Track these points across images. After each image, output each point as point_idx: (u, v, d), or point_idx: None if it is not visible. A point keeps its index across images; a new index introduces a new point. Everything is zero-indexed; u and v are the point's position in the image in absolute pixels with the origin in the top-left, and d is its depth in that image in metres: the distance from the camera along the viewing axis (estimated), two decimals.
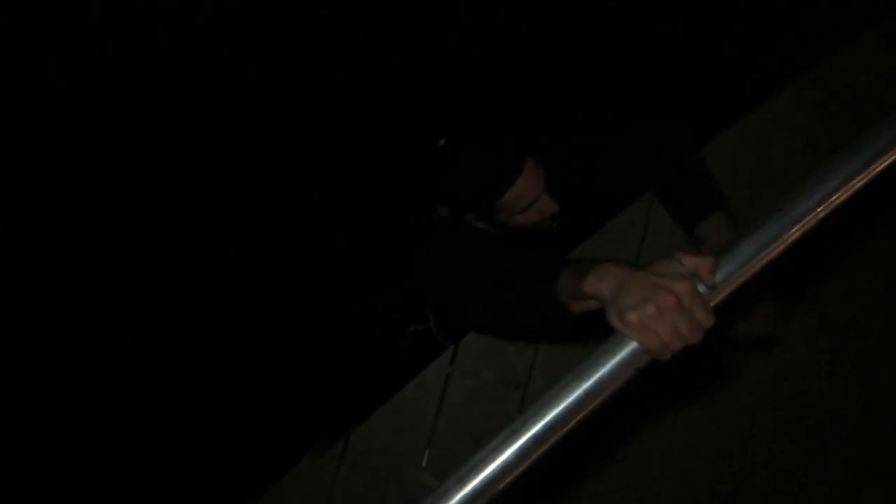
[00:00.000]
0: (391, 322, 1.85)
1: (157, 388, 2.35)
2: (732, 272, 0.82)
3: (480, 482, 0.79)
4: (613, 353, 0.80)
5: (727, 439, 1.69)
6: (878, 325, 1.72)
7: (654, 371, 0.82)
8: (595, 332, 0.85)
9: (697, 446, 1.67)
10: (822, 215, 0.87)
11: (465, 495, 0.79)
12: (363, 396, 1.75)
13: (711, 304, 0.81)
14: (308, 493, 1.60)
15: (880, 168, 0.88)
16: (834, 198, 0.87)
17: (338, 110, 2.57)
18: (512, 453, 0.77)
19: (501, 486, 0.79)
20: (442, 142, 1.39)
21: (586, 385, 0.78)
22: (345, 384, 2.25)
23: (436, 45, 2.58)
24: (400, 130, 2.44)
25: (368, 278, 2.39)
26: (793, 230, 0.85)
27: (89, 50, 2.49)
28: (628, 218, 1.64)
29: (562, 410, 0.77)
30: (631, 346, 0.79)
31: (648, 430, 1.66)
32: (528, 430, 0.78)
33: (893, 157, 0.86)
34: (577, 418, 0.79)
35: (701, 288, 0.80)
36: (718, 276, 0.81)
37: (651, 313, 0.76)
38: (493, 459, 0.78)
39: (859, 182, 0.88)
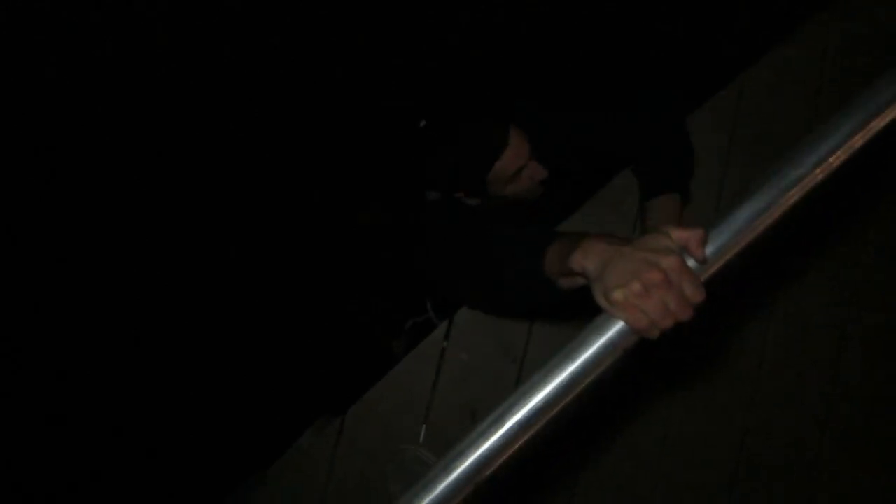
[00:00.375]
0: (390, 321, 1.84)
1: (158, 373, 2.36)
2: (725, 243, 0.77)
3: (467, 468, 0.76)
4: (600, 333, 0.76)
5: (726, 421, 1.66)
6: (885, 287, 1.68)
7: (643, 350, 0.79)
8: (592, 304, 0.82)
9: (694, 431, 1.64)
10: (820, 177, 0.83)
11: (453, 482, 0.77)
12: (360, 374, 1.74)
13: (703, 279, 0.77)
14: (308, 469, 1.60)
15: (880, 125, 0.83)
16: (832, 158, 0.82)
17: (338, 110, 2.55)
18: (498, 439, 0.75)
19: (489, 471, 0.77)
20: (422, 123, 1.36)
21: (572, 368, 0.75)
22: (342, 366, 2.25)
23: (436, 45, 2.55)
24: (395, 128, 2.42)
25: (367, 278, 2.39)
26: (790, 194, 0.80)
27: (89, 50, 2.46)
28: (623, 184, 1.59)
29: (547, 395, 0.74)
30: (618, 326, 0.76)
31: (644, 414, 1.64)
32: (513, 415, 0.75)
33: (893, 115, 0.80)
34: (564, 402, 0.76)
35: (692, 262, 0.77)
36: (710, 249, 0.77)
37: (637, 291, 0.72)
38: (480, 445, 0.75)
39: (859, 140, 0.83)
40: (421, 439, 1.56)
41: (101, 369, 2.37)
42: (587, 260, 0.80)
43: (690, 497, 1.63)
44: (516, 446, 0.76)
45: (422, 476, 0.79)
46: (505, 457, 0.76)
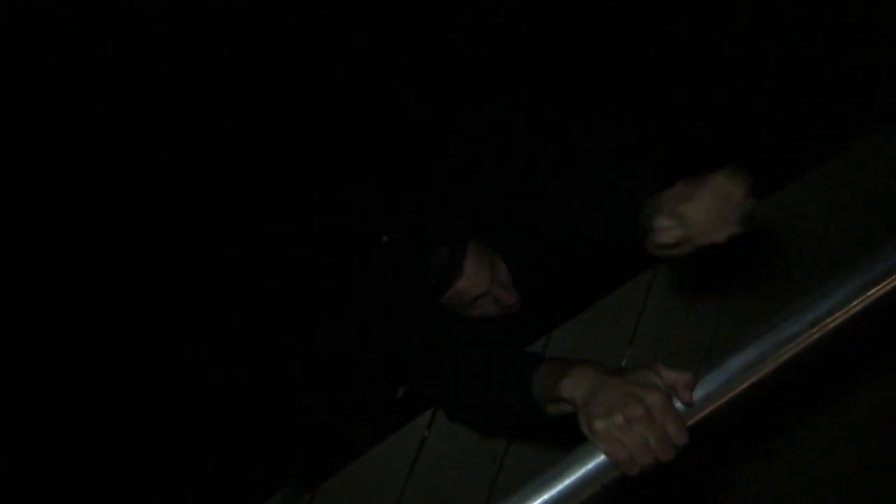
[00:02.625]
0: (381, 390, 1.80)
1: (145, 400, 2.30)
2: (713, 390, 0.78)
3: None
4: (580, 464, 0.75)
5: None
6: (870, 452, 1.64)
7: (624, 489, 0.78)
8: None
9: None
10: (815, 336, 0.83)
11: None
12: (336, 446, 1.70)
13: (690, 423, 0.77)
14: None
15: (882, 292, 0.84)
16: (829, 320, 0.83)
17: (338, 110, 2.56)
18: None
19: None
20: (385, 238, 1.34)
21: (546, 497, 0.74)
22: (320, 431, 2.20)
23: (436, 45, 2.57)
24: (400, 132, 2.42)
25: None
26: (784, 349, 0.81)
27: (89, 50, 2.49)
28: (621, 300, 1.59)
29: None
30: (599, 459, 0.75)
31: None
32: None
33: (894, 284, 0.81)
34: None
35: (679, 405, 0.76)
36: (698, 394, 0.77)
37: (619, 423, 0.73)
38: None
39: (858, 305, 0.84)
40: None
41: (98, 369, 2.30)
42: (575, 388, 0.81)
43: None
44: None
45: None
46: None
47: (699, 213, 0.87)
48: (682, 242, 0.90)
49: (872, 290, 0.83)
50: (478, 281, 1.28)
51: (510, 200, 1.42)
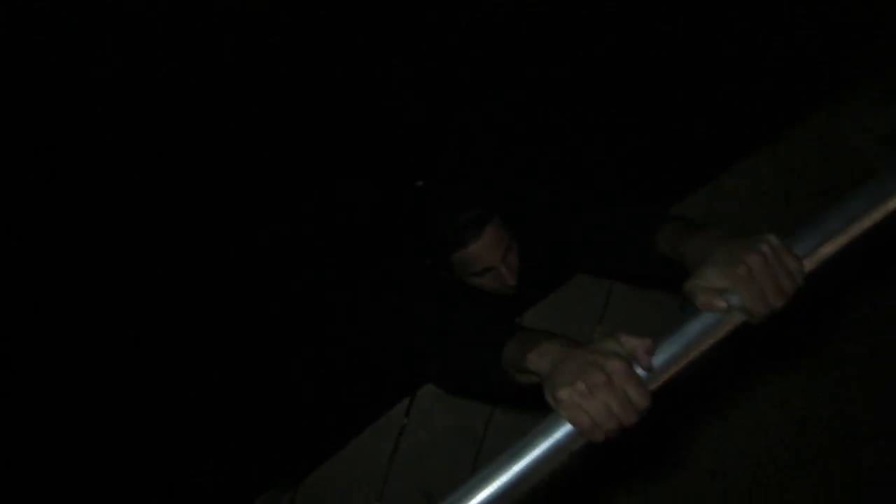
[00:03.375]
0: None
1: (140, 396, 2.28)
2: (674, 355, 0.80)
3: None
4: (547, 433, 0.77)
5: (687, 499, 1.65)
6: (818, 410, 1.70)
7: (592, 455, 0.80)
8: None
9: None
10: None
11: None
12: (319, 440, 1.71)
13: (652, 388, 0.79)
14: None
15: (829, 253, 0.87)
16: None
17: (338, 110, 2.55)
18: None
19: None
20: (419, 183, 1.38)
21: (517, 468, 0.75)
22: (306, 423, 2.19)
23: (436, 45, 2.57)
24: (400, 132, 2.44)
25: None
26: (739, 315, 0.83)
27: (90, 50, 2.46)
28: (591, 279, 1.62)
29: (489, 496, 0.74)
30: (565, 429, 0.76)
31: (609, 493, 1.62)
32: None
33: (838, 246, 0.84)
34: (508, 501, 0.76)
35: (641, 371, 0.78)
36: (658, 359, 0.79)
37: (581, 391, 0.74)
38: None
39: (811, 265, 0.87)
40: None
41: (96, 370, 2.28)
42: (541, 360, 0.82)
43: None
44: None
45: None
46: None
47: (749, 300, 0.80)
48: None
49: (819, 251, 0.86)
50: (492, 252, 1.33)
51: (529, 207, 1.47)
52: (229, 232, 2.46)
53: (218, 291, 2.41)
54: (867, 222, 0.85)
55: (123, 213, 2.44)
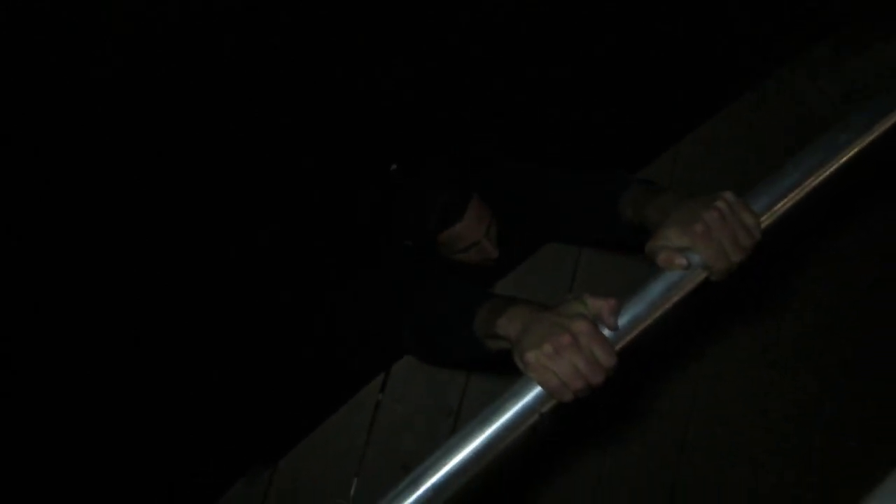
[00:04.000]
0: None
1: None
2: (638, 314, 0.81)
3: None
4: (517, 396, 0.78)
5: (659, 455, 1.69)
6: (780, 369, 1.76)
7: (563, 415, 0.81)
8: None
9: (630, 465, 1.67)
10: None
11: None
12: (294, 421, 1.70)
13: (618, 347, 0.80)
14: None
15: (785, 207, 0.89)
16: None
17: (338, 110, 2.56)
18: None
19: None
20: (394, 167, 1.39)
21: (489, 431, 0.76)
22: (279, 406, 2.20)
23: (436, 45, 2.58)
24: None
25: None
26: (700, 273, 0.85)
27: (89, 50, 2.44)
28: (562, 246, 1.64)
29: (463, 459, 0.75)
30: (535, 391, 0.78)
31: (583, 450, 1.66)
32: (428, 479, 0.75)
33: (794, 201, 0.86)
34: (481, 465, 0.77)
35: (608, 331, 0.80)
36: (624, 319, 0.80)
37: (547, 352, 0.76)
38: None
39: (768, 220, 0.88)
40: (352, 493, 1.53)
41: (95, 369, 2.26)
42: (510, 325, 0.83)
43: None
44: None
45: None
46: None
47: (708, 256, 0.81)
48: None
49: (776, 207, 0.88)
50: (475, 228, 1.36)
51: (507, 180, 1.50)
52: (229, 232, 2.47)
53: (210, 286, 2.41)
54: (822, 176, 0.87)
55: (123, 212, 2.43)
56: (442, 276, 1.33)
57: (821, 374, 1.74)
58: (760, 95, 1.88)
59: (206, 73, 2.51)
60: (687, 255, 0.82)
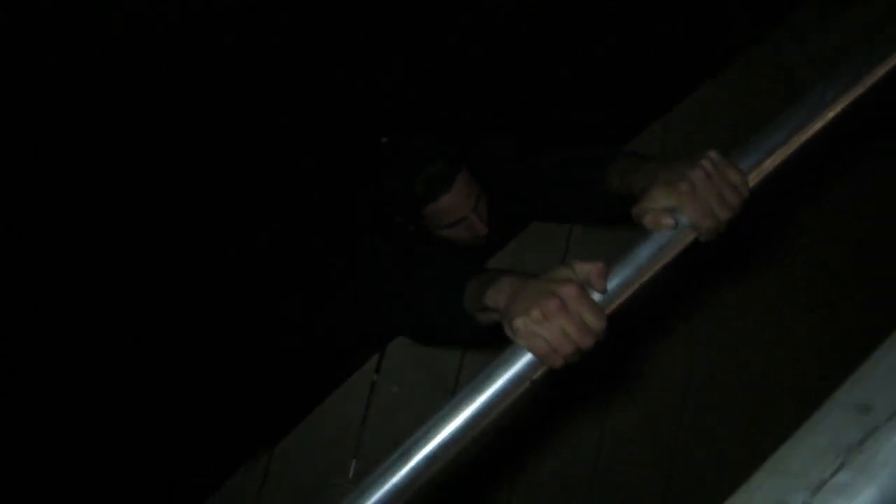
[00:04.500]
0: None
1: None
2: (628, 277, 0.80)
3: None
4: (508, 364, 0.77)
5: (658, 422, 1.70)
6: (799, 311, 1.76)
7: (553, 382, 0.80)
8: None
9: (629, 429, 1.67)
10: None
11: None
12: (290, 406, 1.70)
13: (607, 311, 0.79)
14: None
15: (773, 165, 0.88)
16: None
17: (338, 110, 2.55)
18: (403, 476, 0.74)
19: None
20: (384, 139, 1.38)
21: (481, 400, 0.76)
22: (274, 391, 2.20)
23: (436, 45, 2.57)
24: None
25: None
26: (687, 232, 0.84)
27: (89, 50, 2.42)
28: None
29: (455, 429, 0.75)
30: (525, 358, 0.77)
31: (580, 417, 1.66)
32: (419, 450, 0.75)
33: (782, 158, 0.86)
34: (472, 434, 0.76)
35: (597, 296, 0.79)
36: (613, 283, 0.80)
37: (536, 317, 0.75)
38: (385, 482, 0.75)
39: (756, 178, 0.88)
40: (351, 474, 1.53)
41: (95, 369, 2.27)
42: (498, 295, 0.82)
43: None
44: (424, 480, 0.75)
45: None
46: (413, 491, 0.76)
47: (694, 215, 0.80)
48: None
49: (763, 165, 0.87)
50: (463, 203, 1.36)
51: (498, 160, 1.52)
52: (229, 232, 2.47)
53: (210, 286, 2.42)
54: (809, 132, 0.86)
55: (124, 212, 2.43)
56: (430, 253, 1.33)
57: (813, 328, 1.74)
58: (748, 62, 1.87)
59: (206, 73, 2.50)
60: (674, 216, 0.81)
